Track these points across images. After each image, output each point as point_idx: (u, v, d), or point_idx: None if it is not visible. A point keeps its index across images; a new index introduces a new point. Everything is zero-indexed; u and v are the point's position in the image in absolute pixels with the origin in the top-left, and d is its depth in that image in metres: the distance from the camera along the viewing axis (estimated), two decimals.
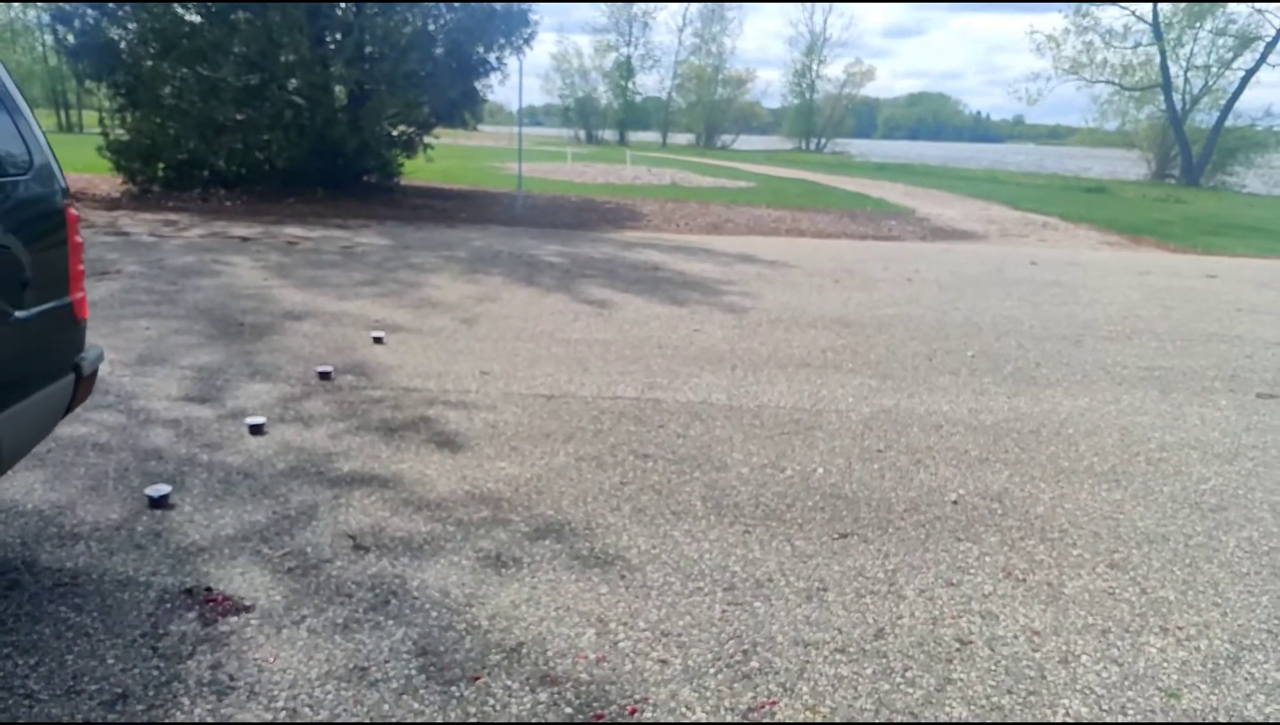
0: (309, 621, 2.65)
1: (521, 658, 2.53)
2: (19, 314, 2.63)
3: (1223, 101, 36.47)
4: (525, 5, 15.91)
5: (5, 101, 2.77)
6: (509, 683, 2.41)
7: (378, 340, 6.03)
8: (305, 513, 3.38)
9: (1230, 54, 36.62)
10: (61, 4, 14.24)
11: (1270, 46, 35.01)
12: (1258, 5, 39.03)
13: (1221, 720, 2.41)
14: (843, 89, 71.65)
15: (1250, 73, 35.66)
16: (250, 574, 2.91)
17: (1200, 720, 2.41)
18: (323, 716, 2.24)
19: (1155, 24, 36.36)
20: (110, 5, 13.91)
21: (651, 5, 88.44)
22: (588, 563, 3.10)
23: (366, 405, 4.70)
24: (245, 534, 3.19)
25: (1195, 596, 3.08)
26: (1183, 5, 36.41)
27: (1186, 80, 37.84)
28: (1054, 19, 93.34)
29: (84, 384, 3.04)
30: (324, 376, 5.14)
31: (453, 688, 2.38)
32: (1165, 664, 2.66)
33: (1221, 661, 2.69)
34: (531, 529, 3.33)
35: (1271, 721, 2.41)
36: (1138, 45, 37.86)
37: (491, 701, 2.33)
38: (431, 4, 15.27)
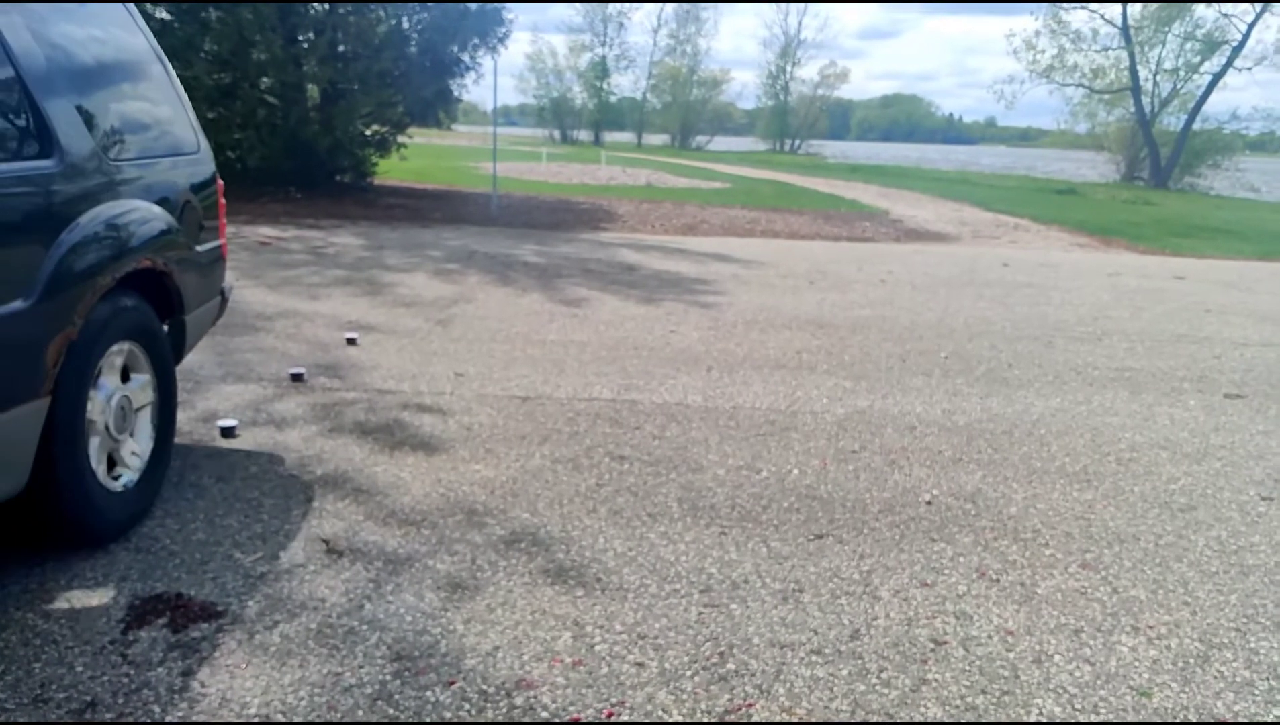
0: (282, 627, 2.62)
1: (497, 661, 2.51)
2: (198, 248, 3.80)
3: (1190, 105, 36.99)
4: (500, 4, 15.89)
5: (182, 102, 3.98)
6: (484, 687, 2.39)
7: (351, 341, 5.99)
8: (278, 517, 3.34)
9: (1198, 58, 37.20)
10: None
11: (1236, 50, 35.60)
12: (1223, 9, 39.66)
13: (1192, 719, 2.44)
14: (817, 90, 71.99)
15: (1217, 76, 36.22)
16: (222, 579, 2.88)
17: (1171, 718, 2.44)
18: (297, 721, 2.22)
19: (1124, 28, 36.84)
20: None
21: (627, 5, 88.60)
22: (564, 566, 3.09)
23: (340, 407, 4.67)
24: (217, 539, 3.15)
25: (1166, 596, 3.12)
26: (1152, 8, 36.95)
27: (1155, 84, 38.37)
28: (1026, 21, 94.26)
29: (224, 304, 4.24)
30: (296, 378, 5.09)
31: (428, 693, 2.36)
32: (1137, 663, 2.69)
33: (1192, 660, 2.72)
34: (507, 532, 3.32)
35: (1241, 720, 2.45)
36: (1107, 49, 38.39)
37: (467, 706, 2.32)
38: (405, 3, 15.18)
